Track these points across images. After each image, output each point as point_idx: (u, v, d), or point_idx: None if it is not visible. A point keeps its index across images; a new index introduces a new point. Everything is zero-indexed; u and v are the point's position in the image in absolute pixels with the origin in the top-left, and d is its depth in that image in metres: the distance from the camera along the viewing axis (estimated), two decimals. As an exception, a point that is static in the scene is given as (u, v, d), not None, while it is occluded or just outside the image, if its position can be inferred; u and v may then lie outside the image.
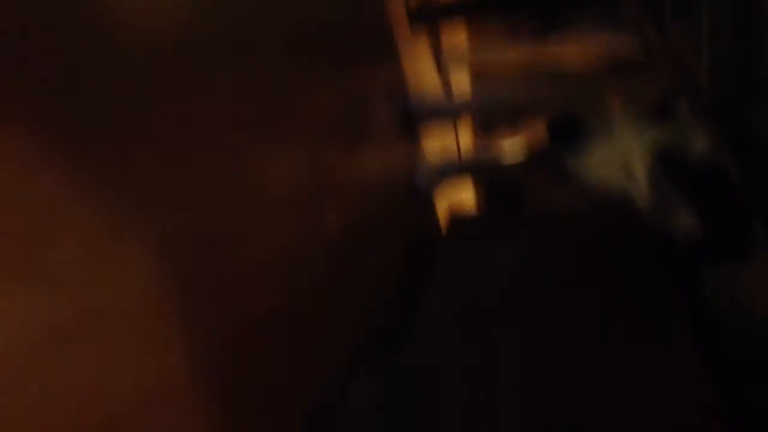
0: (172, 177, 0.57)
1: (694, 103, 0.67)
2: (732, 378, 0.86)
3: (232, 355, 0.64)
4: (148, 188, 0.54)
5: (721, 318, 0.96)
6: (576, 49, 1.65)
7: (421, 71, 1.58)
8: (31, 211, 0.43)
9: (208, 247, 0.62)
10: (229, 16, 0.72)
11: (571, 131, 0.94)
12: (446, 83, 1.86)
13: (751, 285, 0.92)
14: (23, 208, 0.42)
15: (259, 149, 0.74)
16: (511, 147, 1.96)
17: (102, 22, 0.52)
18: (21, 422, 0.40)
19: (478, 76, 2.31)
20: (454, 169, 1.44)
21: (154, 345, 0.53)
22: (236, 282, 0.66)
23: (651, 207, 0.93)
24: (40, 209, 0.43)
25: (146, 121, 0.55)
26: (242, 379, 0.66)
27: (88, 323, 0.46)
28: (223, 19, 0.71)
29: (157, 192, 0.55)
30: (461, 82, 2.10)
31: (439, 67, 1.75)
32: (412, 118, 1.40)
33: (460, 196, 1.92)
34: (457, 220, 1.41)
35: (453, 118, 1.45)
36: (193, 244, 0.59)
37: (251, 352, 0.68)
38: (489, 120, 2.13)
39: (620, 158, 0.92)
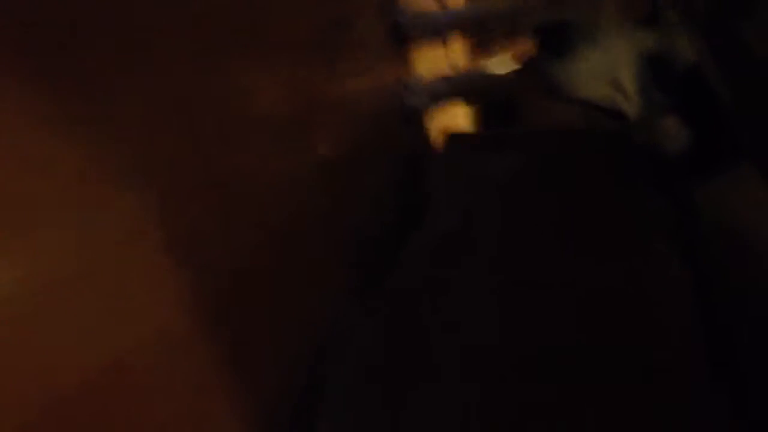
0: (148, 111, 0.56)
1: (684, 13, 0.65)
2: (714, 296, 0.88)
3: (227, 294, 0.65)
4: (125, 123, 0.53)
5: (706, 234, 0.97)
6: None
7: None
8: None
9: (193, 181, 0.61)
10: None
11: (559, 39, 0.92)
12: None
13: (735, 199, 0.92)
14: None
15: (237, 69, 0.71)
16: (504, 63, 1.92)
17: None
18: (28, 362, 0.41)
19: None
20: (446, 88, 1.40)
21: (147, 291, 0.53)
22: (226, 215, 0.66)
23: (639, 116, 0.92)
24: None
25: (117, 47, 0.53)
26: (240, 316, 0.67)
27: (85, 274, 0.46)
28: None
29: (135, 128, 0.54)
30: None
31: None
32: (402, 33, 1.35)
33: (455, 115, 1.89)
34: (452, 137, 1.40)
35: (445, 32, 1.40)
36: (178, 179, 0.59)
37: (246, 286, 0.68)
38: (482, 35, 2.07)
39: (608, 66, 0.90)
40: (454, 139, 1.39)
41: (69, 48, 0.48)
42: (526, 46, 1.47)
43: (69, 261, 0.45)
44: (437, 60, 1.73)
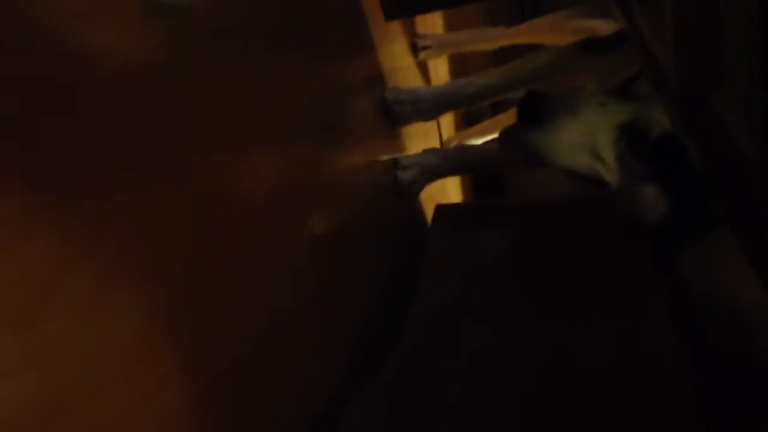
0: (147, 207, 0.58)
1: (658, 85, 0.69)
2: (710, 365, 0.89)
3: (227, 377, 0.65)
4: (124, 219, 0.54)
5: (697, 301, 0.99)
6: (551, 31, 1.66)
7: (399, 62, 1.59)
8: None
9: (184, 265, 0.62)
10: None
11: (537, 110, 0.95)
12: (425, 73, 1.87)
13: (719, 264, 0.95)
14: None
15: (234, 156, 0.74)
16: (491, 135, 1.98)
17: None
18: None
19: (456, 65, 2.33)
20: (436, 162, 1.44)
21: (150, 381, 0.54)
22: (224, 298, 0.67)
23: (619, 185, 0.95)
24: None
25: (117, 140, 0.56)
26: (239, 398, 0.67)
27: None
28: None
29: (134, 225, 0.56)
30: (440, 71, 2.11)
31: (416, 56, 1.76)
32: (391, 110, 1.40)
33: (445, 186, 1.93)
34: (442, 209, 1.43)
35: (432, 109, 1.45)
36: (172, 261, 0.60)
37: (245, 368, 0.69)
38: (470, 110, 2.13)
39: (587, 136, 0.94)
40: (445, 210, 1.42)
41: (65, 146, 0.50)
42: (512, 117, 1.53)
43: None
44: (427, 134, 1.78)
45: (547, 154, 0.98)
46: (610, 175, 0.95)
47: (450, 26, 2.28)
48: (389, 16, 1.52)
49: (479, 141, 1.97)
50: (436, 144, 1.91)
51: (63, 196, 0.48)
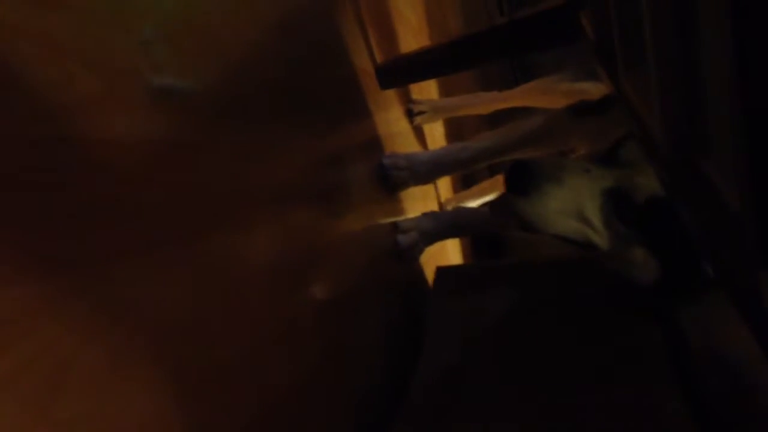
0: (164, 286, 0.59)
1: (647, 147, 0.71)
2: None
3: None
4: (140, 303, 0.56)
5: (696, 359, 0.99)
6: (543, 94, 1.71)
7: (395, 128, 1.63)
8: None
9: (190, 341, 0.63)
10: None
11: (523, 179, 0.98)
12: (421, 137, 1.91)
13: (708, 323, 0.95)
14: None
15: (230, 227, 0.75)
16: (487, 198, 2.01)
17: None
18: None
19: (452, 127, 2.38)
20: (434, 225, 1.46)
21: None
22: (226, 373, 0.67)
23: (609, 248, 0.97)
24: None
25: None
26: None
27: None
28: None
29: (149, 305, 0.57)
30: (436, 135, 2.15)
31: (412, 122, 1.80)
32: (389, 177, 1.43)
33: (444, 247, 1.95)
34: (444, 272, 1.43)
35: (429, 175, 1.48)
36: (179, 338, 0.61)
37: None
38: (467, 174, 2.17)
39: (574, 203, 0.96)
40: (446, 272, 1.43)
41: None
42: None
43: None
44: (425, 196, 1.81)
45: (536, 221, 1.00)
46: (600, 238, 0.97)
47: (444, 91, 2.35)
48: (384, 85, 1.57)
49: (477, 202, 2.00)
50: (435, 205, 1.94)
51: (76, 280, 0.49)
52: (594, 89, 1.47)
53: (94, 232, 0.52)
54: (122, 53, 0.61)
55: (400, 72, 1.57)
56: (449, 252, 2.03)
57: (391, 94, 1.64)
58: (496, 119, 1.88)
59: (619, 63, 0.81)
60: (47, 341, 0.45)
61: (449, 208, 2.00)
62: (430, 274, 1.55)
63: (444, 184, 2.12)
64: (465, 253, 2.32)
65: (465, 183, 2.37)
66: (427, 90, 2.09)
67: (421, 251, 1.43)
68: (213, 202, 0.71)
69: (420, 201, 1.71)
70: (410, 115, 1.79)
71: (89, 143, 0.54)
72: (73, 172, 0.52)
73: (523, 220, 1.01)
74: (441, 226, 1.47)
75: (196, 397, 0.61)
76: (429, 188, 1.90)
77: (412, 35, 2.06)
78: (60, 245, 0.49)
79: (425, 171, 1.45)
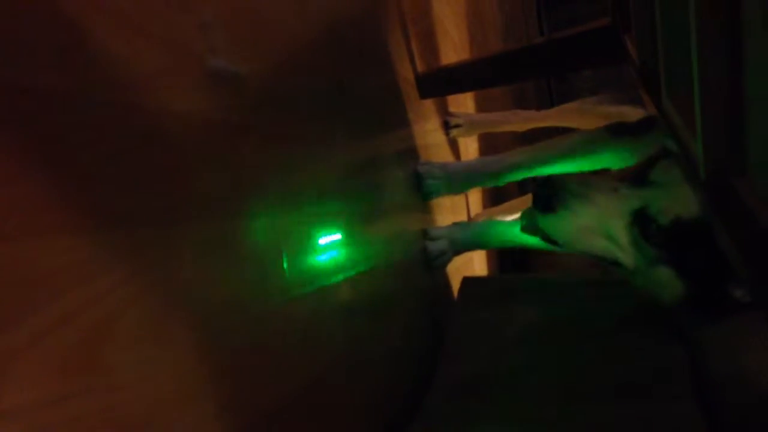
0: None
1: (687, 169, 0.72)
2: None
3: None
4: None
5: (717, 380, 0.99)
6: (579, 116, 1.72)
7: (431, 139, 1.65)
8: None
9: (229, 314, 0.66)
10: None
11: (550, 197, 0.99)
12: (456, 151, 1.93)
13: (734, 348, 0.95)
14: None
15: (258, 218, 0.78)
16: (517, 213, 2.01)
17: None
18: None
19: (486, 144, 2.39)
20: (463, 235, 1.47)
21: None
22: (260, 354, 0.70)
23: (635, 267, 0.97)
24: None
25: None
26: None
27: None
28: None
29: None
30: (470, 150, 2.17)
31: (448, 134, 1.82)
32: (423, 185, 1.45)
33: (472, 260, 1.96)
34: (469, 282, 1.45)
35: (462, 185, 1.50)
36: (217, 305, 0.64)
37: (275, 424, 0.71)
38: (498, 188, 2.18)
39: (600, 222, 0.97)
40: (471, 283, 1.44)
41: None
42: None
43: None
44: (456, 209, 1.82)
45: (561, 238, 1.01)
46: (626, 257, 0.97)
47: (481, 108, 2.37)
48: (424, 94, 1.60)
49: (506, 219, 2.01)
50: (464, 218, 1.95)
51: (131, 238, 0.53)
52: (632, 113, 1.48)
53: (148, 196, 0.55)
54: (184, 34, 0.65)
55: (440, 83, 1.60)
56: (475, 264, 2.04)
57: (429, 104, 1.67)
58: (530, 139, 1.90)
59: (662, 84, 0.83)
60: (101, 291, 0.48)
61: (480, 221, 2.01)
62: (455, 284, 1.56)
63: (474, 199, 2.14)
64: (491, 267, 2.33)
65: (495, 200, 2.38)
66: (464, 105, 2.12)
67: (449, 260, 1.45)
68: (251, 187, 0.74)
69: (450, 213, 1.73)
70: (446, 127, 1.81)
71: (150, 114, 0.57)
72: (134, 137, 0.55)
73: (548, 236, 1.03)
74: (470, 236, 1.48)
75: (236, 363, 0.64)
76: (459, 201, 1.92)
77: (454, 51, 2.09)
78: (118, 203, 0.52)
79: (459, 181, 1.47)
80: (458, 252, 1.48)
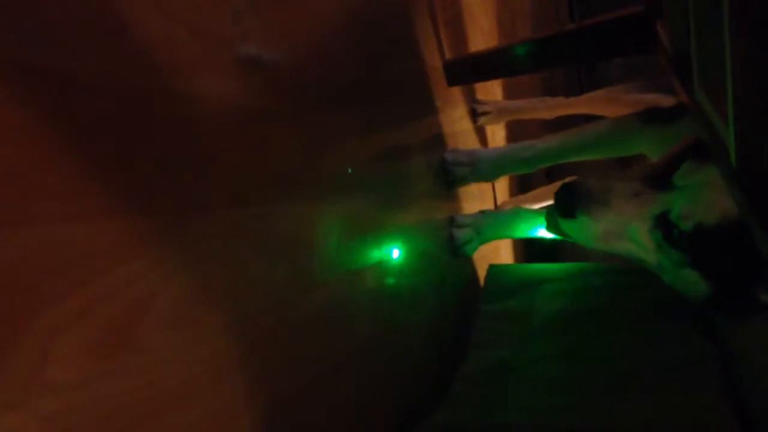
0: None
1: (718, 156, 0.72)
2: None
3: (288, 409, 0.69)
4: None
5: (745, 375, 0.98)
6: (608, 103, 1.70)
7: (458, 126, 1.65)
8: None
9: (257, 297, 0.67)
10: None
11: (572, 203, 0.98)
12: (483, 138, 1.92)
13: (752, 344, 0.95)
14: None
15: (285, 203, 0.79)
16: (545, 202, 2.00)
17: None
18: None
19: (513, 131, 2.38)
20: (491, 225, 1.47)
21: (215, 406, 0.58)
22: (291, 335, 0.71)
23: (660, 268, 0.97)
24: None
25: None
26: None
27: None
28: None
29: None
30: (497, 138, 2.16)
31: (475, 122, 1.82)
32: (450, 172, 1.44)
33: (498, 249, 1.96)
34: (495, 270, 1.45)
35: (490, 172, 1.49)
36: (243, 292, 0.65)
37: (301, 404, 0.72)
38: (525, 177, 2.17)
39: (622, 226, 0.96)
40: (497, 270, 1.44)
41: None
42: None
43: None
44: (483, 197, 1.82)
45: (583, 241, 1.00)
46: (651, 258, 0.97)
47: (508, 96, 2.35)
48: (452, 82, 1.59)
49: (533, 207, 2.00)
50: (491, 207, 1.95)
51: (166, 222, 0.54)
52: (662, 101, 1.45)
53: (181, 180, 0.57)
54: (217, 20, 0.66)
55: (467, 69, 1.59)
56: (502, 252, 2.04)
57: (456, 92, 1.66)
58: (558, 126, 1.89)
59: (694, 72, 0.82)
60: (136, 273, 0.50)
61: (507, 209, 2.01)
62: (482, 272, 1.57)
63: (501, 187, 2.13)
64: (517, 255, 2.32)
65: (522, 188, 2.37)
66: (492, 92, 2.11)
67: (475, 248, 1.45)
68: (281, 173, 0.75)
69: (477, 201, 1.72)
70: (474, 114, 1.80)
71: (182, 99, 0.59)
72: (165, 123, 0.56)
73: (570, 239, 1.02)
74: (497, 224, 1.48)
75: (260, 352, 0.65)
76: (486, 189, 1.91)
77: (482, 38, 2.07)
78: (151, 188, 0.53)
79: (487, 168, 1.46)
80: (485, 240, 1.48)
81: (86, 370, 0.44)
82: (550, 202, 1.86)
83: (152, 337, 0.51)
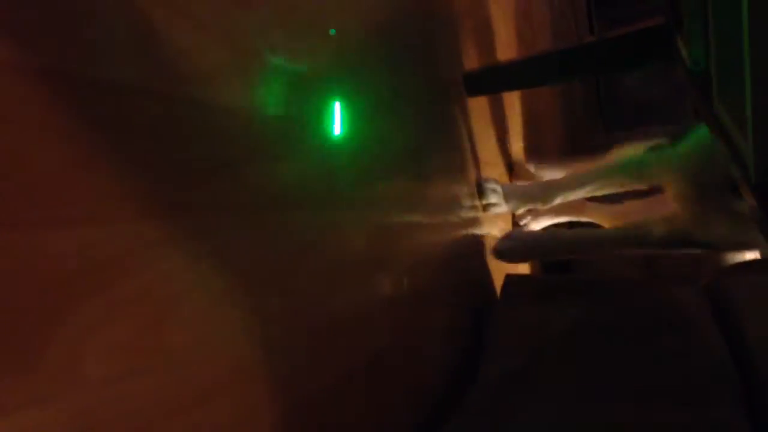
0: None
1: (739, 171, 0.72)
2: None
3: (312, 409, 0.70)
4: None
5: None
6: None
7: (480, 141, 1.65)
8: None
9: (283, 303, 0.68)
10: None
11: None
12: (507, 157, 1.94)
13: None
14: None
15: (323, 211, 0.80)
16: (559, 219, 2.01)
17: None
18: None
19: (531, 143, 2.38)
20: (534, 248, 1.54)
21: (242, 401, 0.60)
22: (312, 337, 0.73)
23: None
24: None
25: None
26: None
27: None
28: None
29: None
30: (515, 146, 2.16)
31: (498, 138, 1.83)
32: (484, 198, 1.52)
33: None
34: (512, 280, 1.45)
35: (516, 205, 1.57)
36: (273, 295, 0.67)
37: (324, 404, 0.73)
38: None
39: None
40: (515, 281, 1.45)
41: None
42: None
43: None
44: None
45: None
46: None
47: (528, 106, 2.34)
48: (471, 92, 1.60)
49: (553, 220, 1.99)
50: (510, 224, 1.95)
51: (194, 225, 0.56)
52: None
53: (210, 186, 0.59)
54: (244, 30, 0.67)
55: (488, 81, 1.60)
56: (519, 264, 2.04)
57: (483, 106, 1.68)
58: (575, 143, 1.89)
59: (713, 86, 0.82)
60: (166, 274, 0.52)
61: (524, 222, 2.01)
62: (498, 282, 1.57)
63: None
64: (534, 266, 2.32)
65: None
66: (510, 103, 2.10)
67: (516, 262, 1.52)
68: (306, 179, 0.77)
69: (503, 220, 1.74)
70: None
71: (208, 107, 0.60)
72: (194, 129, 0.58)
73: None
74: (538, 247, 1.55)
75: (286, 350, 0.67)
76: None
77: (502, 49, 2.08)
78: (179, 192, 0.55)
79: (513, 201, 1.57)
80: (523, 259, 1.56)
81: (115, 368, 0.46)
82: (563, 219, 1.88)
83: (178, 338, 0.52)
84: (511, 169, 1.91)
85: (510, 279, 1.44)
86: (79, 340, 0.44)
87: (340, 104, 0.86)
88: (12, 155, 0.41)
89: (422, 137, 1.24)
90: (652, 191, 1.50)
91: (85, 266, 0.45)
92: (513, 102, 2.18)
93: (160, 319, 0.50)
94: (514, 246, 1.54)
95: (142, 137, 0.52)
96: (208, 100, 0.60)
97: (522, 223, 1.97)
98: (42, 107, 0.43)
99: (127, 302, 0.48)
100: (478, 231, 1.51)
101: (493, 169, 1.72)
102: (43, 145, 0.43)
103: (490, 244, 1.58)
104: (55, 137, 0.44)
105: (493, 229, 1.63)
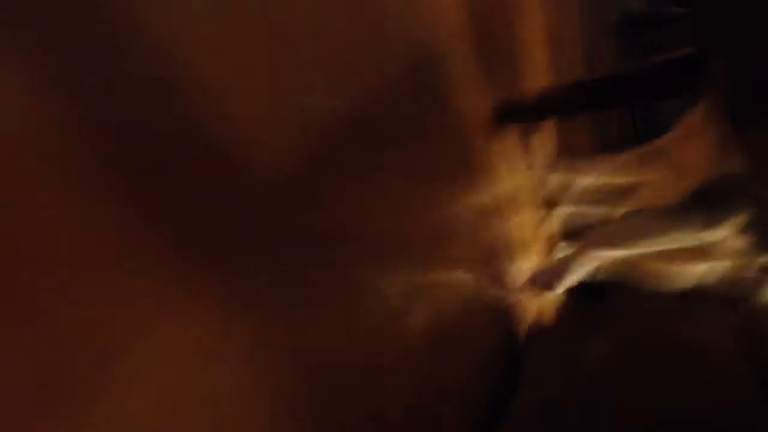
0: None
1: (761, 218, 0.72)
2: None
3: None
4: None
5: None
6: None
7: (510, 178, 1.65)
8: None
9: (306, 350, 0.69)
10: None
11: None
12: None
13: None
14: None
15: (355, 241, 0.81)
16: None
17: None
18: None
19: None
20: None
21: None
22: (328, 390, 0.73)
23: None
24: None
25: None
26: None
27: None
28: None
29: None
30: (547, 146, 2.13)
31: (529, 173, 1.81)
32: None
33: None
34: (545, 311, 1.44)
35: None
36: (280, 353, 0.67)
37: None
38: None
39: None
40: (547, 310, 1.43)
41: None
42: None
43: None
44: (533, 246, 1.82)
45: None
46: None
47: (561, 139, 2.32)
48: (503, 121, 1.60)
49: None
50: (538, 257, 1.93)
51: (235, 271, 0.58)
52: None
53: (257, 229, 0.60)
54: (282, 72, 0.69)
55: (520, 110, 1.61)
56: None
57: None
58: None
59: (746, 114, 0.82)
60: (206, 319, 0.53)
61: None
62: (532, 311, 1.56)
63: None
64: (567, 295, 2.28)
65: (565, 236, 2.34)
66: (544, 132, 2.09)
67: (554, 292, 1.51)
68: (339, 223, 0.78)
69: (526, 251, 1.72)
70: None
71: (247, 149, 0.62)
72: (233, 174, 0.60)
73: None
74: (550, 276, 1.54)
75: (325, 390, 0.68)
76: (537, 239, 1.89)
77: (534, 75, 2.08)
78: (225, 242, 0.57)
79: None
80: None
81: (158, 407, 0.47)
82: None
83: (220, 377, 0.53)
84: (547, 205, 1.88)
85: (543, 309, 1.42)
86: (124, 379, 0.45)
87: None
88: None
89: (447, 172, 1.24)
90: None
91: (129, 313, 0.47)
92: (547, 132, 2.17)
93: (201, 362, 0.52)
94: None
95: (182, 185, 0.53)
96: (246, 141, 0.62)
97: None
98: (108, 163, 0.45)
99: (165, 343, 0.49)
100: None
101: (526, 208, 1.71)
102: (107, 199, 0.45)
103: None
104: (116, 192, 0.46)
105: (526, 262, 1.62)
